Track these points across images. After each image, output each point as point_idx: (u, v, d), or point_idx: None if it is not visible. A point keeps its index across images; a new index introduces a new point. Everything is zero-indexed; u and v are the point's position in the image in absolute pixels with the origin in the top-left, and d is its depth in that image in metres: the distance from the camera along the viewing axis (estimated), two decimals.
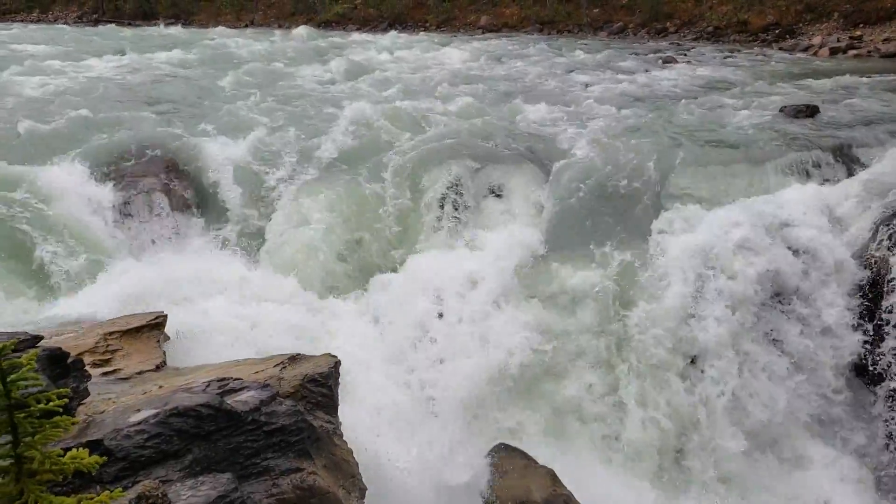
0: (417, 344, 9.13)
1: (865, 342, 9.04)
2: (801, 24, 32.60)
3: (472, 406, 8.82)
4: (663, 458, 8.68)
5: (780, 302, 9.28)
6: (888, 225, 9.32)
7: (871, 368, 8.99)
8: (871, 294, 9.14)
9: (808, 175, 11.07)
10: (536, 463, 8.11)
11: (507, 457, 8.19)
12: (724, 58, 26.18)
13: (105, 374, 6.75)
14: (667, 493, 8.57)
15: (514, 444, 8.43)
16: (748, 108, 15.02)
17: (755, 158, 11.49)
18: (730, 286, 9.07)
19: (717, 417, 8.69)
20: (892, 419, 8.76)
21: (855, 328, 9.13)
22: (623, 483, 8.55)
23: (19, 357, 3.42)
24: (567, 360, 9.18)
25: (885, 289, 8.95)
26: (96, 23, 55.48)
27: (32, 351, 3.85)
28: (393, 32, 40.14)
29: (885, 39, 27.75)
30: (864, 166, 11.15)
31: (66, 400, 3.61)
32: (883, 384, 8.88)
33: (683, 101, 16.12)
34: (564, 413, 9.00)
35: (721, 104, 15.61)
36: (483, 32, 41.58)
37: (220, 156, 12.23)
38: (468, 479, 7.85)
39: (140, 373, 6.85)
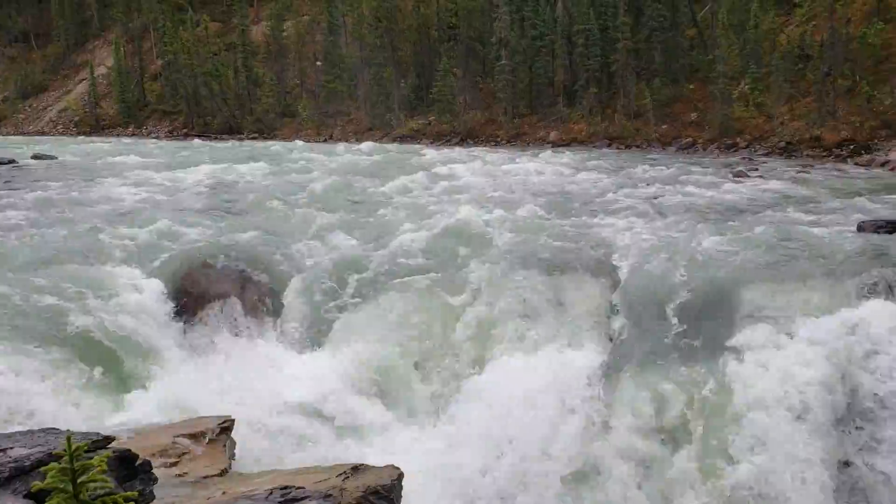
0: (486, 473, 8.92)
1: None
2: (876, 140, 32.22)
3: None
4: None
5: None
6: None
7: None
8: None
9: (891, 293, 10.63)
10: None
11: None
12: (797, 172, 25.93)
13: (172, 476, 6.79)
14: None
15: None
16: (824, 223, 14.70)
17: (834, 275, 11.11)
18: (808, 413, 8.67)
19: None
20: None
21: None
22: None
23: (91, 458, 3.48)
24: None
25: None
26: (186, 136, 59.05)
27: (104, 453, 3.91)
28: (459, 147, 41.38)
29: None
30: None
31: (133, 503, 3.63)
32: None
33: (756, 215, 15.93)
34: None
35: (795, 219, 15.34)
36: (553, 147, 42.43)
37: (294, 262, 12.59)
38: None
39: (205, 477, 6.87)
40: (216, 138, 56.03)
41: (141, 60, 72.19)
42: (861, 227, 13.74)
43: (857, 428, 8.81)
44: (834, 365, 8.97)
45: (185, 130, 63.41)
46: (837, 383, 8.85)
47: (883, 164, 28.46)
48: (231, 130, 60.53)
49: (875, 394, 8.90)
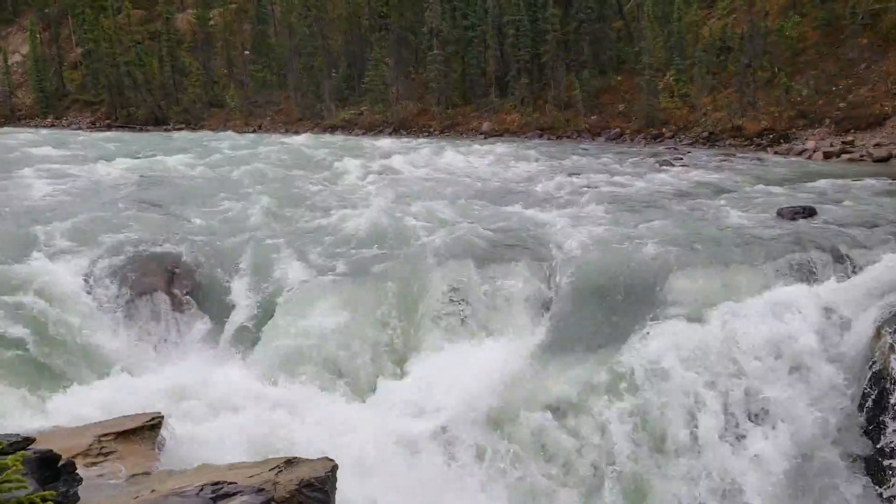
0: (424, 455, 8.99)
1: None
2: (794, 130, 33.41)
3: None
4: None
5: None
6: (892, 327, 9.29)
7: None
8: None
9: (808, 275, 11.10)
10: None
11: None
12: (720, 161, 26.70)
13: (98, 476, 6.61)
14: None
15: None
16: (745, 209, 15.21)
17: (753, 259, 11.54)
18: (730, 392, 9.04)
19: None
20: None
21: None
22: None
23: (5, 459, 3.35)
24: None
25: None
26: (109, 128, 57.10)
27: (20, 453, 3.78)
28: (392, 138, 41.24)
29: (875, 144, 28.45)
30: (862, 267, 11.18)
31: None
32: None
33: (681, 203, 16.36)
34: None
35: (718, 206, 15.82)
36: (486, 137, 42.64)
37: (225, 256, 12.36)
38: None
39: (134, 475, 6.71)
40: (141, 129, 54.39)
41: (59, 48, 69.29)
42: (780, 213, 14.29)
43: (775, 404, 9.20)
44: (753, 344, 9.32)
45: (107, 121, 61.24)
46: (756, 361, 9.20)
47: (800, 153, 29.61)
48: (157, 121, 58.80)
49: (793, 368, 9.31)
